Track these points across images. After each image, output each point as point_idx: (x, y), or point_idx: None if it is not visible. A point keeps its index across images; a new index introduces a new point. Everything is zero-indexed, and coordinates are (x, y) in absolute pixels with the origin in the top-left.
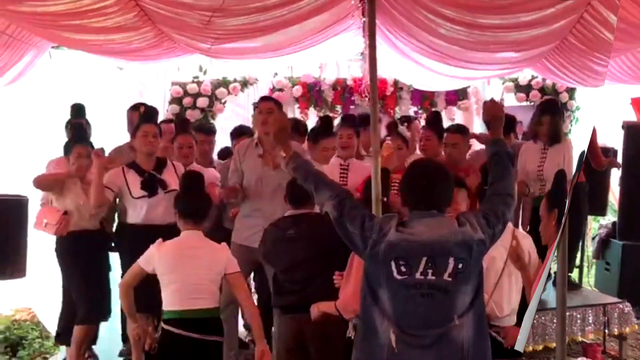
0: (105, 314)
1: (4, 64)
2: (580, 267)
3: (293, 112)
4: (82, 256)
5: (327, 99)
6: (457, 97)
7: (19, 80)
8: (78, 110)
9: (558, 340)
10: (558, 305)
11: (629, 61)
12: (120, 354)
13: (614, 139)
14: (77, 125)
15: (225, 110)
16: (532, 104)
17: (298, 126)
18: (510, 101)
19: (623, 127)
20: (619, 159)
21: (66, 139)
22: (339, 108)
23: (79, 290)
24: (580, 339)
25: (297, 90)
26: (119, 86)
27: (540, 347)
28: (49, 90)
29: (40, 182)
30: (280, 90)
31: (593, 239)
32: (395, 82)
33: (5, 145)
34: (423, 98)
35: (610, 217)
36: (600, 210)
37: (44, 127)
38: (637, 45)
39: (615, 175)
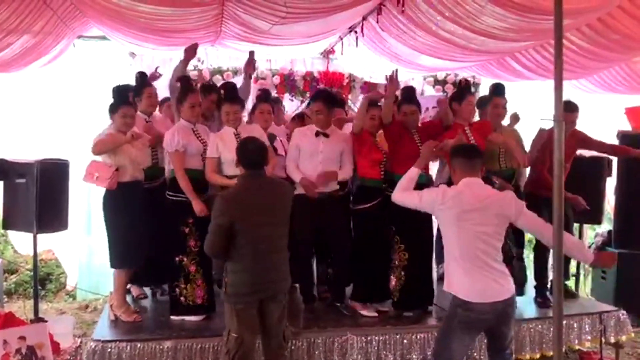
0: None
1: (47, 45)
2: (577, 276)
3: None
4: (131, 204)
5: (299, 86)
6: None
7: (51, 63)
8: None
9: (555, 349)
10: (555, 313)
11: (623, 72)
12: None
13: None
14: (120, 89)
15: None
16: (445, 94)
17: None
18: (430, 91)
19: (618, 136)
20: (614, 168)
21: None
22: (307, 94)
23: (125, 235)
24: (577, 347)
25: (276, 79)
26: (131, 72)
27: (538, 356)
28: (72, 74)
29: (102, 150)
30: (263, 79)
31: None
32: (350, 75)
33: (44, 117)
34: (370, 88)
35: (606, 226)
36: (596, 219)
37: (71, 104)
38: (631, 56)
39: (611, 183)
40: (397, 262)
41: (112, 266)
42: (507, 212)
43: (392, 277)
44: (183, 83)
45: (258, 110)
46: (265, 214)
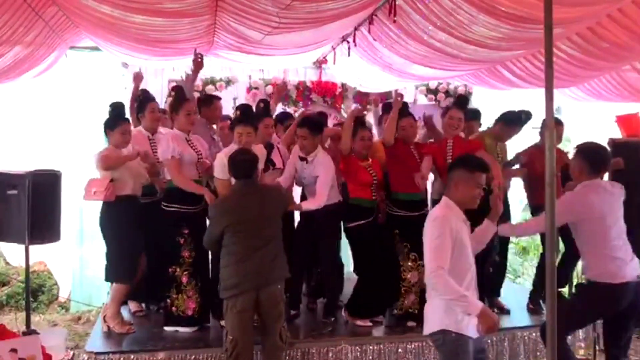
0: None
1: (39, 56)
2: (570, 282)
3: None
4: (130, 218)
5: (292, 96)
6: (385, 97)
7: (44, 74)
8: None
9: (549, 356)
10: (548, 321)
11: (613, 80)
12: None
13: None
14: (117, 106)
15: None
16: (437, 103)
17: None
18: (422, 100)
19: (609, 144)
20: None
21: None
22: (300, 104)
23: (122, 249)
24: None
25: (269, 89)
26: (123, 82)
27: None
28: (64, 85)
29: (111, 165)
30: (256, 88)
31: None
32: (343, 85)
33: (36, 128)
34: (361, 97)
35: None
36: None
37: (63, 115)
38: (621, 64)
39: None
40: (414, 281)
41: (109, 280)
42: None
43: (409, 295)
44: (177, 92)
45: (262, 125)
46: (254, 216)
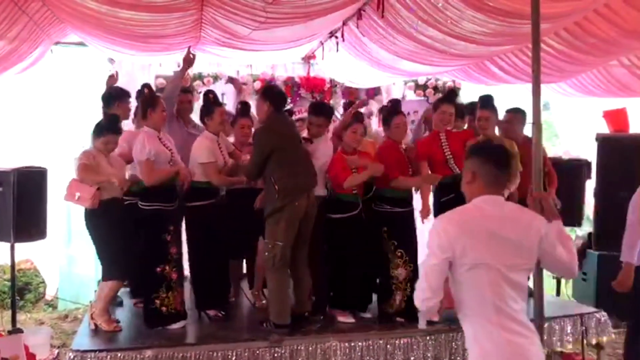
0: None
1: (23, 51)
2: (558, 278)
3: (253, 101)
4: (113, 219)
5: None
6: (374, 92)
7: (28, 70)
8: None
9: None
10: (536, 316)
11: (600, 75)
12: None
13: (587, 151)
14: (113, 117)
15: (200, 99)
16: (426, 98)
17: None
18: (411, 96)
19: (597, 139)
20: (593, 171)
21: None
22: (288, 99)
23: (112, 249)
24: (559, 349)
25: (257, 84)
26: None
27: None
28: (50, 81)
29: (86, 179)
30: (244, 84)
31: None
32: (331, 81)
33: (21, 124)
34: (350, 93)
35: (586, 228)
36: (576, 221)
37: (49, 111)
38: (608, 59)
39: (590, 186)
40: (402, 277)
41: (103, 278)
42: None
43: (400, 292)
44: (151, 90)
45: (238, 126)
46: (294, 137)
